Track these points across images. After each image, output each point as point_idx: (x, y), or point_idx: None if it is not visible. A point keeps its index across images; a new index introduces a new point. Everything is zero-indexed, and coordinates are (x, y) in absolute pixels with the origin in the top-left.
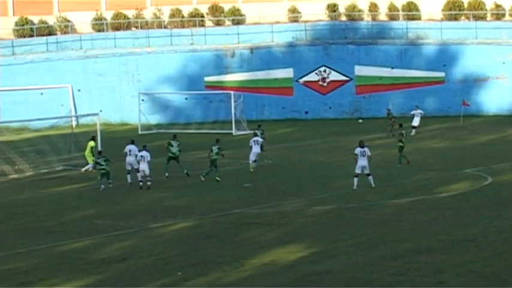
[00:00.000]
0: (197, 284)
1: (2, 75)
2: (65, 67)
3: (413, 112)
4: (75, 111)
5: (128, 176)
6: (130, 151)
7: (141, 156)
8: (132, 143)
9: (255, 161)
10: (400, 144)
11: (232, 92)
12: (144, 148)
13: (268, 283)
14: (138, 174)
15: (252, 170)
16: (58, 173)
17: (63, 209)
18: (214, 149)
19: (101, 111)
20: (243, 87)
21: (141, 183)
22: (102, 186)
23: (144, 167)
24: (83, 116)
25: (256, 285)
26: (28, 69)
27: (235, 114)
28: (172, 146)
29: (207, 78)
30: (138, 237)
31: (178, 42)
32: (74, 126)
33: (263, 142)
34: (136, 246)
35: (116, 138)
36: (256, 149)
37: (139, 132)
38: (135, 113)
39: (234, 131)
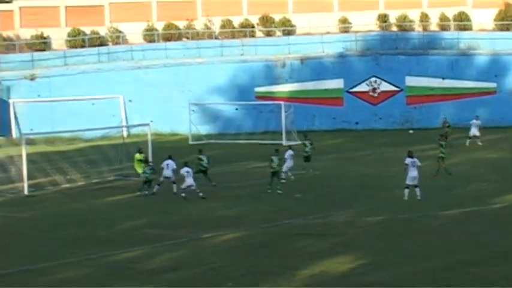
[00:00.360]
0: None
1: (54, 85)
2: (116, 77)
3: (472, 122)
4: (126, 122)
5: (156, 186)
6: (168, 165)
7: (186, 171)
8: (170, 158)
9: (286, 172)
10: (441, 155)
11: (282, 103)
12: (186, 164)
13: None
14: (176, 186)
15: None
16: (109, 182)
17: (114, 219)
18: (275, 159)
19: (151, 121)
20: (293, 98)
21: (183, 195)
22: (146, 192)
23: (190, 181)
24: (134, 126)
25: None
26: (80, 80)
27: (285, 124)
28: (202, 160)
29: (257, 89)
30: (189, 247)
31: (229, 53)
32: (125, 136)
33: (310, 152)
34: (187, 256)
35: (166, 149)
36: (290, 163)
37: (190, 142)
38: (186, 123)
39: (284, 142)
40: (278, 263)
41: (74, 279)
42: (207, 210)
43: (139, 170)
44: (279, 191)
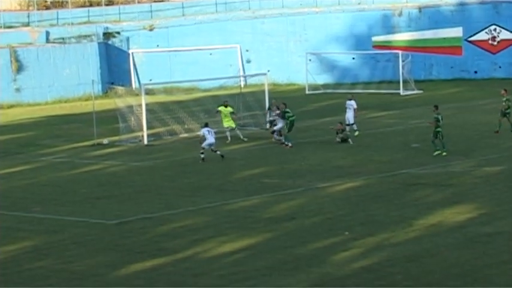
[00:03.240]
0: (365, 243)
1: (172, 35)
2: (233, 27)
3: None
4: (244, 71)
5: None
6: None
7: (207, 131)
8: (206, 125)
9: (350, 124)
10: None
11: (399, 52)
12: (206, 125)
13: (436, 244)
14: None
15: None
16: (224, 132)
17: (232, 168)
18: (439, 118)
19: (268, 71)
20: (410, 47)
21: (202, 156)
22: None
23: (212, 140)
24: (251, 76)
25: (424, 246)
26: (197, 30)
27: (402, 74)
28: (289, 112)
29: (374, 38)
30: (306, 196)
31: (346, 2)
32: (242, 86)
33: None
34: (304, 205)
35: (283, 99)
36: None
37: (307, 92)
38: (302, 73)
39: (401, 91)
40: (395, 212)
41: (193, 227)
42: (323, 160)
43: (227, 124)
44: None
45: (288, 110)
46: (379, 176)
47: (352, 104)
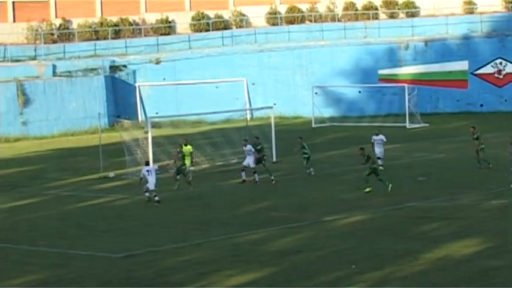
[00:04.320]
0: (371, 277)
1: (179, 69)
2: (239, 61)
3: None
4: (250, 105)
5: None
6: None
7: (147, 170)
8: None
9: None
10: None
11: (406, 85)
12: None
13: (442, 278)
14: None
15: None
16: (233, 165)
17: (238, 201)
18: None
19: (275, 104)
20: (416, 80)
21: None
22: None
23: (152, 179)
24: (258, 109)
25: (431, 280)
26: (204, 63)
27: (408, 107)
28: (305, 148)
29: (380, 71)
30: (312, 230)
31: (352, 36)
32: (248, 119)
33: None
34: (310, 238)
35: (290, 132)
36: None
37: (313, 125)
38: (309, 106)
39: (407, 124)
40: (401, 246)
41: (199, 261)
42: (329, 193)
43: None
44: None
45: (304, 145)
46: (385, 209)
47: (382, 138)
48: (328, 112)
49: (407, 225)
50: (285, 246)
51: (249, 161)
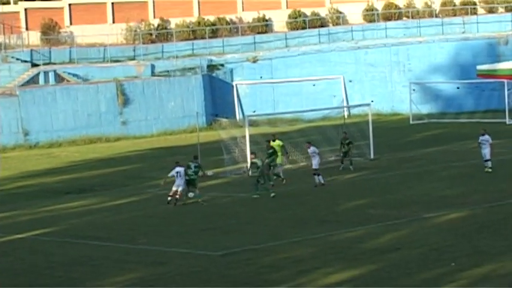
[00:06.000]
0: (472, 275)
1: (275, 67)
2: (336, 58)
3: None
4: (347, 102)
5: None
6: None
7: (177, 172)
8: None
9: (486, 160)
10: None
11: (505, 81)
12: (177, 164)
13: None
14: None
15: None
16: (331, 163)
17: (336, 199)
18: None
19: (372, 101)
20: None
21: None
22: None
23: (179, 182)
24: (355, 106)
25: None
26: (301, 61)
27: (508, 103)
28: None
29: (479, 67)
30: (411, 227)
31: (450, 31)
32: (345, 117)
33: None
34: (409, 236)
35: (387, 129)
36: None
37: (411, 122)
38: (406, 103)
39: (507, 120)
40: (502, 243)
41: (297, 258)
42: (428, 190)
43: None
44: None
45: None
46: (485, 206)
47: (487, 138)
48: (426, 109)
49: (508, 221)
50: (384, 244)
51: (314, 162)
